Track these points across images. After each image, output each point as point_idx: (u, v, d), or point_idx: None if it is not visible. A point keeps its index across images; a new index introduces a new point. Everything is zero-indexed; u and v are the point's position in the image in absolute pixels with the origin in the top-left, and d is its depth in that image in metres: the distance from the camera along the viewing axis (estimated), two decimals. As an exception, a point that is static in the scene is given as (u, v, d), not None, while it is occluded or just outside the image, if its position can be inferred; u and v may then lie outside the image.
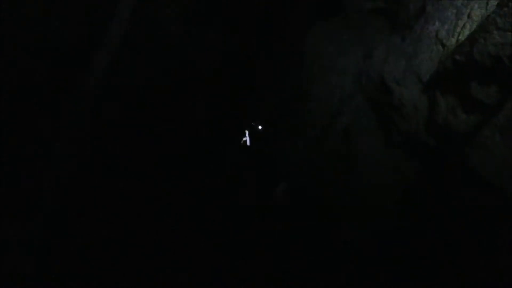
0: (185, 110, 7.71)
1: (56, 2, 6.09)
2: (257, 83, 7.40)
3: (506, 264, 4.22)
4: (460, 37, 4.58)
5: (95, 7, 6.48)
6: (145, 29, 7.53)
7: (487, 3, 4.34)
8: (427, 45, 4.94)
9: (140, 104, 7.24)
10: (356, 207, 5.57)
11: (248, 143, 7.21)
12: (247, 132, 7.21)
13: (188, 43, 7.93)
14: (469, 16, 4.45)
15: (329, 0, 6.47)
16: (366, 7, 6.02)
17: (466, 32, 4.53)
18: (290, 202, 6.48)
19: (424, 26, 5.00)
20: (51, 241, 5.11)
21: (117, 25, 6.29)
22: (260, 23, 7.33)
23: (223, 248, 5.94)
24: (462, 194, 4.68)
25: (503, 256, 4.24)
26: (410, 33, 5.24)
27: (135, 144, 6.74)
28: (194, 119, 7.73)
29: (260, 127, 7.14)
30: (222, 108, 7.77)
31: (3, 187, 5.17)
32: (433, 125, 4.98)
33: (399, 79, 5.35)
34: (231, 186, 7.03)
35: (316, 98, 6.30)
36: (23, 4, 5.88)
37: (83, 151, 5.76)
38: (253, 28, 7.41)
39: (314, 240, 5.88)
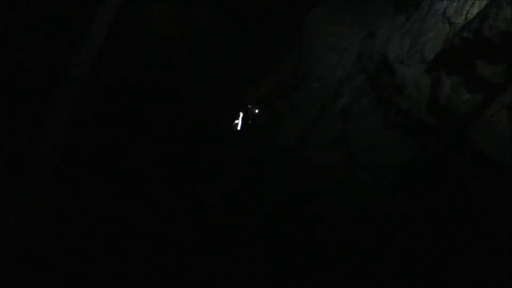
0: (176, 93, 7.48)
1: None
2: (255, 63, 7.23)
3: (505, 242, 4.22)
4: (469, 15, 4.56)
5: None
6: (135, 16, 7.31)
7: (499, -20, 4.33)
8: (434, 24, 4.91)
9: (129, 91, 7.02)
10: (354, 187, 5.48)
11: (238, 127, 6.88)
12: (241, 114, 6.88)
13: (180, 23, 7.72)
14: (479, -7, 4.43)
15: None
16: (370, -13, 5.96)
17: (475, 10, 4.52)
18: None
19: (432, 4, 4.97)
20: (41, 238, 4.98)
21: (104, 15, 6.24)
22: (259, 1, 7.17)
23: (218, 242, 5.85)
24: (463, 172, 4.67)
25: (503, 234, 4.24)
26: (416, 11, 5.21)
27: (121, 135, 6.49)
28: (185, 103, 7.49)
29: (257, 110, 6.83)
30: (216, 89, 7.55)
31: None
32: (435, 105, 4.95)
33: (403, 59, 5.32)
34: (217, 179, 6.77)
35: (315, 78, 6.21)
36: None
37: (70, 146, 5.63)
38: (252, 6, 7.24)
39: (309, 221, 5.75)
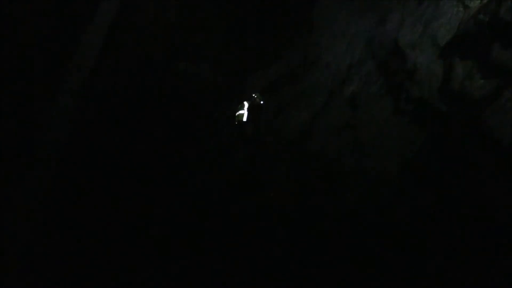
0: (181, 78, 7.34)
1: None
2: (262, 51, 7.06)
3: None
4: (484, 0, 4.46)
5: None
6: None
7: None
8: (448, 7, 4.80)
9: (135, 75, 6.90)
10: (361, 174, 5.38)
11: (244, 118, 6.62)
12: (246, 104, 6.72)
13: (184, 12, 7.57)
14: (496, -25, 4.32)
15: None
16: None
17: (492, -7, 4.41)
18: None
19: (446, -12, 4.86)
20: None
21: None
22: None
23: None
24: (475, 158, 4.57)
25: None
26: (429, -4, 5.09)
27: (124, 131, 6.46)
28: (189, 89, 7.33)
29: (262, 102, 6.55)
30: (220, 77, 7.39)
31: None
32: (448, 90, 4.84)
33: (415, 44, 5.21)
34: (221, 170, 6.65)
35: (324, 65, 6.08)
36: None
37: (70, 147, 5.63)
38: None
39: (315, 209, 5.63)
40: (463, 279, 4.16)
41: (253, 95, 6.58)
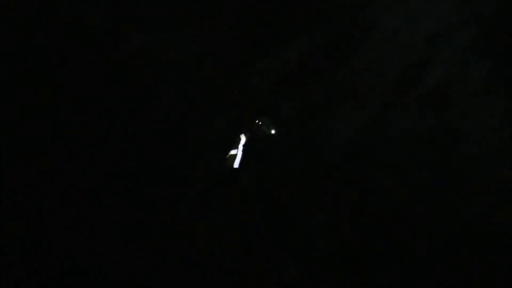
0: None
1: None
2: (275, 28, 4.92)
3: None
4: None
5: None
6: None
7: None
8: None
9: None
10: (456, 223, 3.56)
11: (236, 164, 4.35)
12: (242, 138, 4.36)
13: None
14: None
15: None
16: None
17: None
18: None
19: None
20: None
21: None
22: None
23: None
24: None
25: None
26: None
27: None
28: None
29: (273, 131, 4.26)
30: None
31: None
32: None
33: None
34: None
35: (386, 35, 4.09)
36: None
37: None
38: None
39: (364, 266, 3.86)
40: None
41: (257, 121, 4.33)
